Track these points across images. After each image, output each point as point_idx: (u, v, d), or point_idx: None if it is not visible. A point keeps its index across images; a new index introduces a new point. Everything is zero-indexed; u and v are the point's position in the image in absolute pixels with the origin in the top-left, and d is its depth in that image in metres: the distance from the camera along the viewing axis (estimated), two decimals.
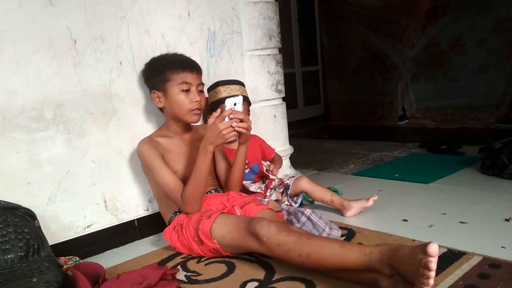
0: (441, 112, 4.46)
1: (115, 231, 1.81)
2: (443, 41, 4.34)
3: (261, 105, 2.28)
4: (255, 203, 1.67)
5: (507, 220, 1.70)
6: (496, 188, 2.13)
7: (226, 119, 1.55)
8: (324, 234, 1.59)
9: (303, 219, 1.64)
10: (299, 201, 2.10)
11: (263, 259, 1.51)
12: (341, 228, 1.71)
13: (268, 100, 2.30)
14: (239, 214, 1.61)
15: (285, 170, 2.40)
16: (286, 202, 2.07)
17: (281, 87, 2.34)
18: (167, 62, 1.75)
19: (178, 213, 1.71)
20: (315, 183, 2.01)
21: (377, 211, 1.93)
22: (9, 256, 1.38)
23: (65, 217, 1.67)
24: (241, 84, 2.05)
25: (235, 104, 1.57)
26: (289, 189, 2.04)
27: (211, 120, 1.58)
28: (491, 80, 4.02)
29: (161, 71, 1.71)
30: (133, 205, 1.86)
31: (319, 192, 1.98)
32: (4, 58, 1.50)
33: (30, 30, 1.55)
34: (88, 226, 1.73)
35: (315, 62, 5.74)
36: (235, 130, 1.57)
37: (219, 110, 1.60)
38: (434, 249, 0.98)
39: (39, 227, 1.52)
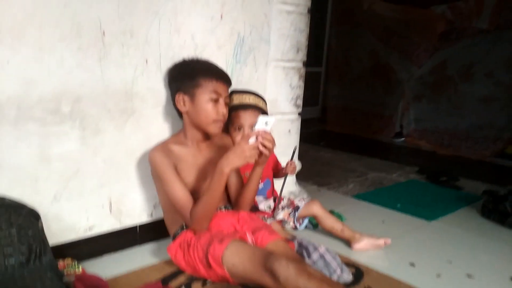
0: (438, 136, 4.47)
1: (116, 235, 1.73)
2: (452, 66, 4.32)
3: (277, 118, 2.19)
4: (267, 230, 1.61)
5: None
6: (500, 238, 2.13)
7: (252, 139, 1.48)
8: (335, 276, 1.54)
9: (316, 256, 1.59)
10: (304, 224, 2.06)
11: None
12: (347, 264, 1.67)
13: (285, 113, 2.22)
14: (250, 241, 1.55)
15: (290, 186, 2.34)
16: (292, 224, 2.03)
17: (300, 102, 2.27)
18: (201, 67, 1.67)
19: (185, 228, 1.63)
20: (326, 210, 1.97)
21: (383, 248, 1.90)
22: (10, 260, 1.30)
23: (68, 217, 1.58)
24: (256, 95, 1.96)
25: (266, 124, 1.49)
26: (298, 210, 2.00)
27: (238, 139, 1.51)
28: (494, 113, 4.04)
29: (193, 75, 1.62)
30: (138, 209, 1.78)
31: (330, 220, 1.94)
32: (27, 43, 1.38)
33: (59, 16, 1.43)
34: (90, 229, 1.64)
35: (319, 63, 5.66)
36: (258, 151, 1.50)
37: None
38: None
39: (42, 229, 1.43)
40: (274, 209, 2.01)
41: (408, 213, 2.39)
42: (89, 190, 1.61)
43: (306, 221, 2.05)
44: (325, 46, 5.59)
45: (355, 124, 5.22)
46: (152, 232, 1.83)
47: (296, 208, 2.01)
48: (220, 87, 1.64)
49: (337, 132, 5.17)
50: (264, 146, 1.50)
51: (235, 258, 1.43)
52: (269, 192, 2.03)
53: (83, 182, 1.59)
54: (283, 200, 2.08)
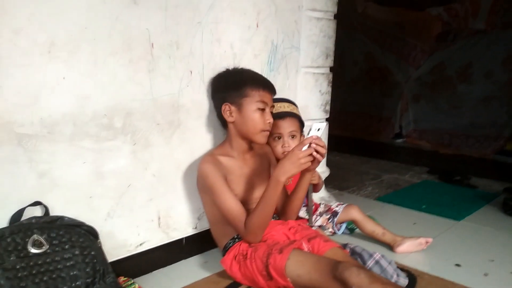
0: (438, 135, 4.54)
1: (164, 250, 1.69)
2: (451, 66, 4.40)
3: (307, 125, 2.20)
4: (322, 238, 1.60)
5: None
6: None
7: (306, 146, 1.47)
8: (392, 281, 1.55)
9: (371, 262, 1.59)
10: (343, 229, 2.07)
11: None
12: (399, 269, 1.68)
13: (315, 120, 2.22)
14: (306, 250, 1.55)
15: (320, 192, 2.34)
16: (330, 229, 2.03)
17: (328, 107, 2.28)
18: (247, 77, 1.66)
19: (237, 240, 1.61)
20: (365, 214, 1.98)
21: (424, 250, 1.92)
22: (77, 283, 1.26)
23: (120, 234, 1.54)
24: (290, 102, 1.96)
25: (317, 130, 1.49)
26: (337, 216, 2.00)
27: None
28: (494, 112, 4.12)
29: (240, 85, 1.61)
30: (183, 222, 1.75)
31: (370, 224, 1.95)
32: (81, 59, 1.35)
33: (111, 29, 1.40)
34: (140, 244, 1.61)
35: None
36: (312, 157, 1.49)
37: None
38: None
39: (101, 247, 1.39)
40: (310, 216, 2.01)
41: (435, 214, 2.42)
42: (139, 205, 1.58)
43: (344, 226, 2.06)
44: None
45: (352, 126, 5.25)
46: (197, 244, 1.81)
47: (335, 214, 2.01)
48: (266, 96, 1.64)
49: (336, 134, 5.17)
50: (317, 151, 1.49)
51: (299, 268, 1.42)
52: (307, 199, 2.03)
53: (134, 197, 1.56)
54: (320, 206, 2.09)
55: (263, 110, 1.62)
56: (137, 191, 1.56)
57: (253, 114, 1.61)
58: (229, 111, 1.63)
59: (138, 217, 1.58)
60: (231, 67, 1.76)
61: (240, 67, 1.78)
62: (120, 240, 1.55)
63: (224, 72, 1.72)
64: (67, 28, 1.31)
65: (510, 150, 4.08)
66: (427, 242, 1.90)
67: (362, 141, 4.84)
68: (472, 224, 2.30)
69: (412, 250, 1.89)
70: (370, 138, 4.97)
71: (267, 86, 1.65)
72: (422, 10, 4.55)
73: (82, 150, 1.39)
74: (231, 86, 1.64)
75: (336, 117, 5.36)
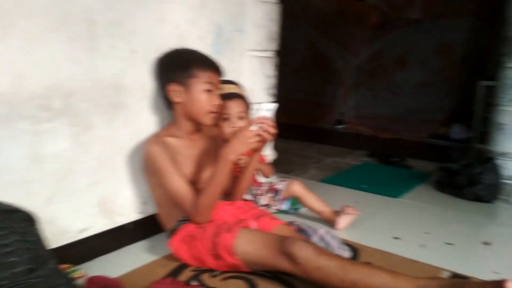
0: (377, 121, 4.74)
1: (109, 236, 1.65)
2: (388, 55, 4.60)
3: (256, 107, 2.21)
4: (268, 216, 1.64)
5: (486, 244, 1.88)
6: (460, 208, 2.36)
7: (254, 126, 1.49)
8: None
9: (315, 238, 1.64)
10: (287, 204, 2.12)
11: (282, 276, 1.48)
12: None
13: (261, 103, 2.24)
14: (254, 228, 1.57)
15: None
16: (275, 207, 2.08)
17: (274, 91, 2.31)
18: (195, 57, 1.64)
19: (183, 222, 1.60)
20: (307, 189, 2.04)
21: (365, 225, 2.01)
22: (16, 270, 1.20)
23: (61, 220, 1.48)
24: (237, 84, 1.98)
25: (267, 110, 1.51)
26: (281, 193, 2.05)
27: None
28: (428, 97, 4.37)
29: (187, 66, 1.59)
30: (128, 207, 1.71)
31: (312, 199, 2.02)
32: (16, 35, 1.27)
33: (49, 3, 1.33)
34: (82, 230, 1.55)
35: None
36: (260, 137, 1.51)
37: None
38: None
39: (41, 233, 1.33)
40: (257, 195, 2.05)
41: (375, 193, 2.54)
42: (81, 190, 1.52)
43: (289, 202, 2.11)
44: None
45: (296, 113, 5.33)
46: (143, 229, 1.77)
47: (278, 191, 2.06)
48: (213, 77, 1.63)
49: (281, 121, 5.25)
50: (266, 131, 1.50)
51: (247, 245, 1.44)
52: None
53: (75, 181, 1.50)
54: (262, 185, 2.12)
55: (210, 91, 1.62)
56: (78, 175, 1.50)
57: (200, 95, 1.60)
58: (175, 91, 1.61)
59: (80, 202, 1.53)
60: (176, 47, 1.73)
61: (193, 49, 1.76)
62: (61, 226, 1.49)
63: (170, 51, 1.69)
64: (0, 3, 1.23)
65: (442, 134, 4.34)
66: (349, 211, 1.98)
67: (305, 128, 4.94)
68: (409, 201, 2.44)
69: (350, 222, 1.97)
70: (313, 124, 5.09)
71: (214, 68, 1.65)
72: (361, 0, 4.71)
73: (18, 132, 1.32)
74: (178, 66, 1.61)
75: (281, 104, 5.47)
